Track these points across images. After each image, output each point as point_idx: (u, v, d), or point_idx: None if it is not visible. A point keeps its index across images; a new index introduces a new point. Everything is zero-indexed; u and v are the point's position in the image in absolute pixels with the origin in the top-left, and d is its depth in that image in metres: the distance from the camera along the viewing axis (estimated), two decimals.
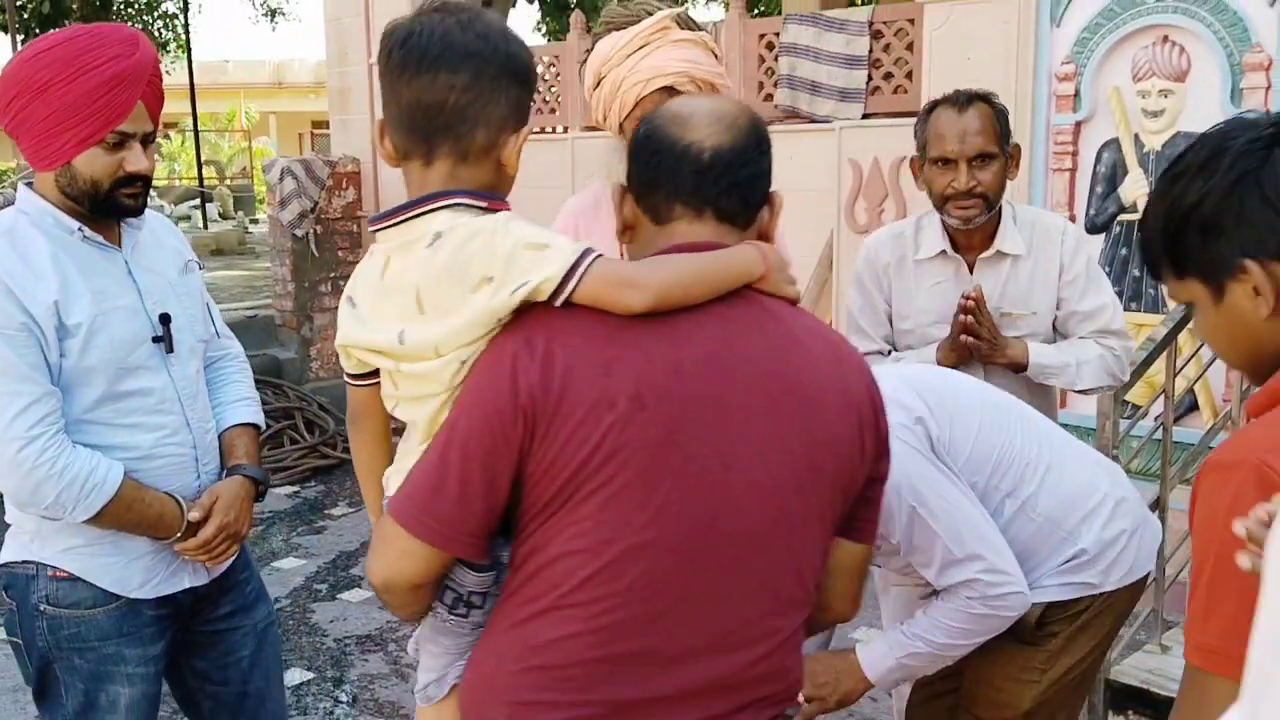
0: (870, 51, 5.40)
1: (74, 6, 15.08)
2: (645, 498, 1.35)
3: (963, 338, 2.62)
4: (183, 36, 16.74)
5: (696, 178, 1.45)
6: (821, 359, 1.46)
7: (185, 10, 14.58)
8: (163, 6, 18.43)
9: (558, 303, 1.36)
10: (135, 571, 2.15)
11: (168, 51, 18.73)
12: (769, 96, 5.84)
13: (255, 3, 18.86)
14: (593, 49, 2.57)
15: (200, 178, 16.46)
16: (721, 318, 1.41)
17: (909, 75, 5.28)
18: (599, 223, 2.60)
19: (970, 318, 2.61)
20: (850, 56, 5.45)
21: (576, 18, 6.95)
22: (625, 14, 2.52)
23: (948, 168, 2.63)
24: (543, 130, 7.18)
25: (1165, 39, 4.25)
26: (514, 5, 13.79)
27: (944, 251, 2.73)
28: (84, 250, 2.09)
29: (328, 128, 8.49)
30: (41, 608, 2.12)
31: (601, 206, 2.63)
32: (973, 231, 2.69)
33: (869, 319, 2.82)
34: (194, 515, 2.15)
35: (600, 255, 1.36)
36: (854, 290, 2.86)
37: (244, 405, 2.38)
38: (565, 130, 6.92)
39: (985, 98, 2.67)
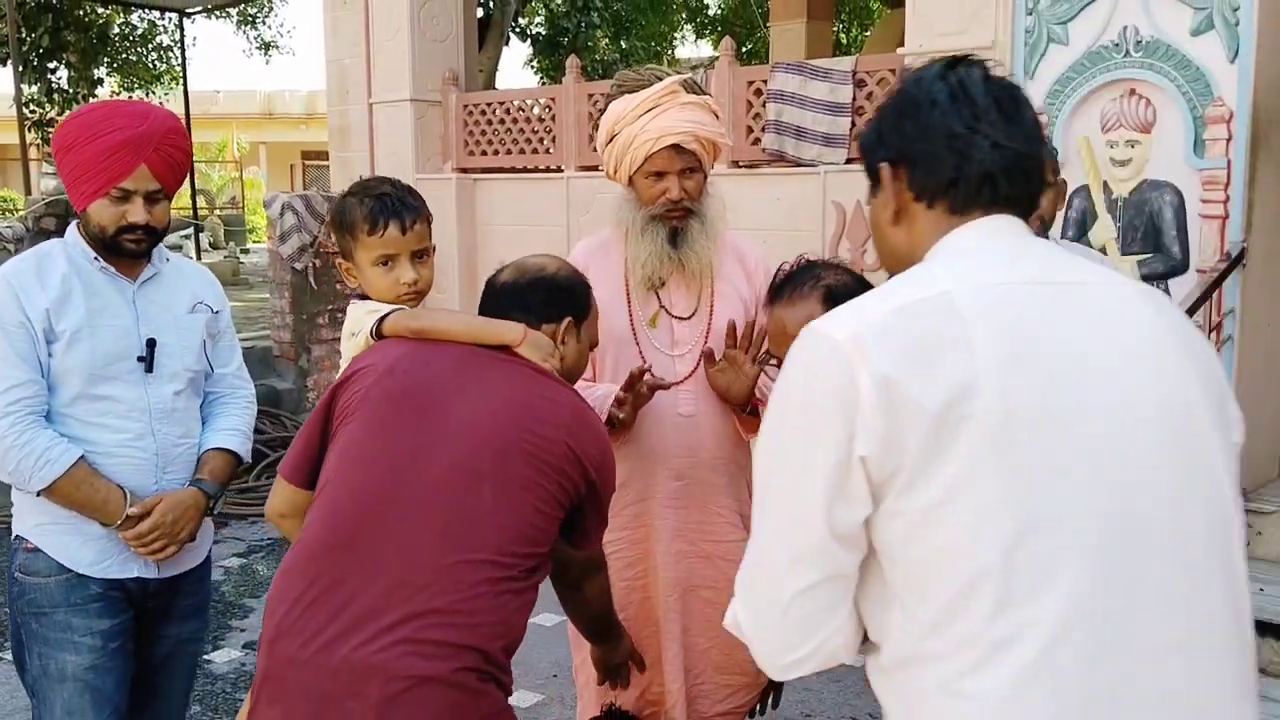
0: (854, 99, 5.64)
1: (72, 41, 15.27)
2: (365, 436, 1.99)
3: None
4: (178, 69, 16.97)
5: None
6: (534, 392, 2.05)
7: (181, 44, 14.79)
8: (158, 39, 18.66)
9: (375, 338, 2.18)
10: (88, 552, 2.52)
11: (162, 83, 18.95)
12: (757, 140, 6.08)
13: (250, 36, 19.08)
14: (606, 109, 2.82)
15: (194, 208, 16.63)
16: (473, 351, 2.09)
17: None
18: (607, 265, 2.83)
19: None
20: (835, 104, 5.69)
21: (572, 61, 7.18)
22: (637, 78, 2.78)
23: None
24: (538, 170, 7.41)
25: (1132, 92, 4.49)
26: (507, 44, 14.08)
27: None
28: (96, 276, 2.55)
29: (318, 158, 8.74)
30: (16, 575, 2.55)
31: (610, 251, 2.86)
32: None
33: None
34: (133, 510, 2.50)
35: (397, 309, 2.19)
36: None
37: (229, 434, 2.74)
38: (560, 169, 7.14)
39: None
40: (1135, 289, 1.43)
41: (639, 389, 2.61)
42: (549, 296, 2.23)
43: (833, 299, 2.04)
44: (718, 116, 2.81)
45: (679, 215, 2.73)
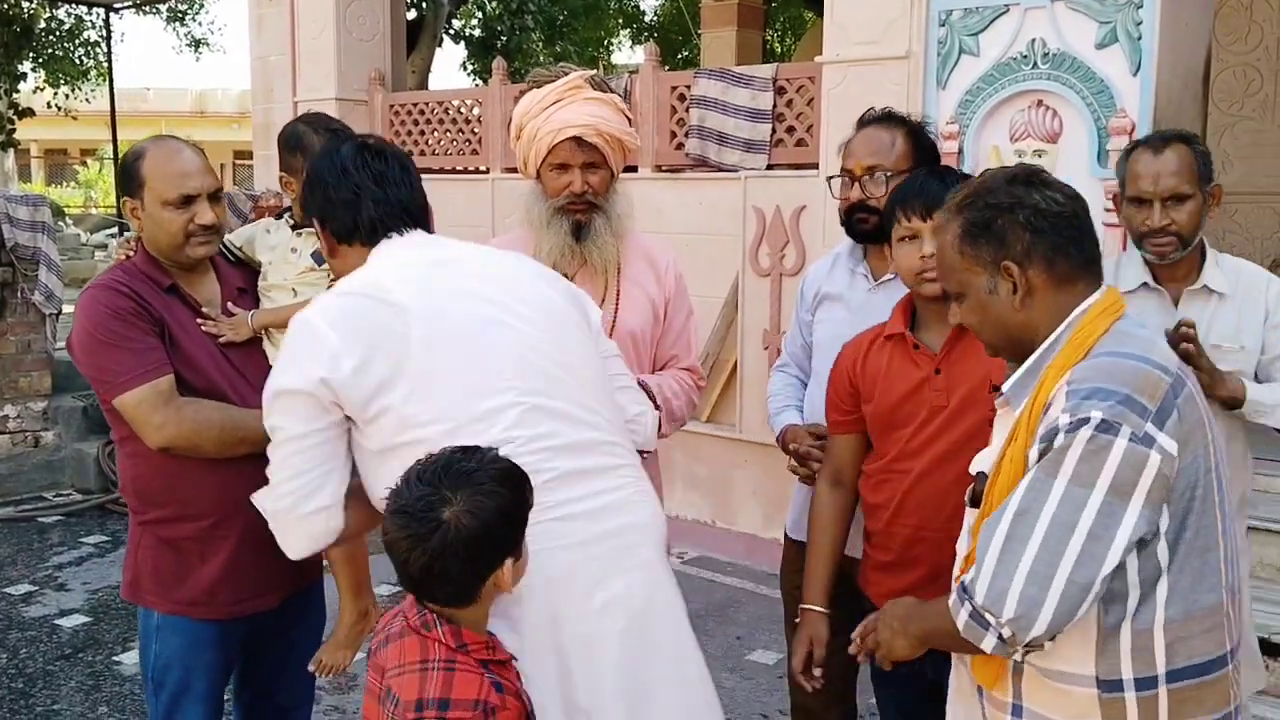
0: (774, 106, 5.71)
1: None
2: None
3: None
4: (104, 64, 16.67)
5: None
6: None
7: (108, 39, 14.55)
8: (84, 34, 18.34)
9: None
10: None
11: (89, 79, 18.63)
12: (680, 145, 6.13)
13: (179, 33, 18.83)
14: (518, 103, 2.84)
15: (119, 206, 16.33)
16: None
17: (809, 129, 5.59)
18: None
19: (1191, 346, 2.63)
20: (756, 110, 5.75)
21: (498, 63, 7.19)
22: (547, 75, 2.83)
23: (1143, 206, 2.80)
24: (465, 170, 7.40)
25: (1040, 103, 4.60)
26: (440, 45, 14.02)
27: (1145, 284, 2.86)
28: None
29: (250, 158, 8.62)
30: None
31: (520, 245, 2.86)
32: (1174, 265, 2.82)
33: None
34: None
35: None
36: None
37: None
38: (487, 171, 7.14)
39: (1186, 139, 2.80)
40: (497, 256, 2.25)
41: None
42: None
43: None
44: (628, 117, 2.85)
45: (582, 209, 2.78)
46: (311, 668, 2.66)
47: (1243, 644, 1.87)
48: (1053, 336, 1.83)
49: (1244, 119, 6.80)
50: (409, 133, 7.52)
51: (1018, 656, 1.75)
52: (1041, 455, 1.71)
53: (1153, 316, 2.76)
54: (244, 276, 2.74)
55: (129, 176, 2.48)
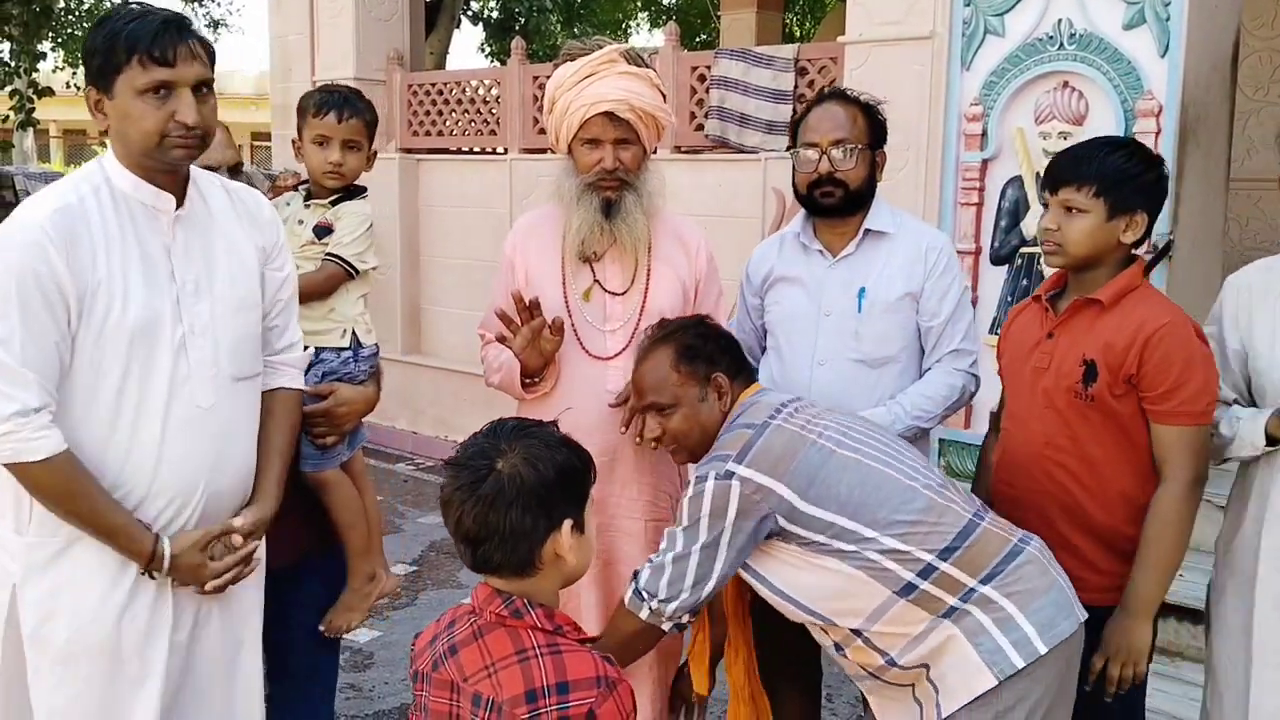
0: (795, 87, 5.67)
1: (14, 14, 14.97)
2: None
3: None
4: None
5: None
6: None
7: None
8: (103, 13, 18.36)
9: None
10: None
11: None
12: (700, 126, 6.09)
13: (198, 14, 18.81)
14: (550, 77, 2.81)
15: None
16: None
17: None
18: (545, 237, 2.84)
19: None
20: (777, 91, 5.71)
21: (517, 43, 7.16)
22: (581, 48, 2.77)
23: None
24: (483, 151, 7.38)
25: (1065, 84, 4.55)
26: (458, 27, 13.99)
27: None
28: None
29: (268, 139, 8.61)
30: None
31: (550, 223, 2.85)
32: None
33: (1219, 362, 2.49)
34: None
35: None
36: (1209, 327, 2.54)
37: None
38: (505, 151, 7.11)
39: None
40: None
41: (536, 324, 2.67)
42: None
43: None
44: (662, 93, 2.80)
45: (613, 186, 2.73)
46: (322, 628, 2.73)
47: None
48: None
49: (1270, 105, 6.73)
50: (426, 113, 7.50)
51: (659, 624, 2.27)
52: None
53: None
54: None
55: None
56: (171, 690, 2.16)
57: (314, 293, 2.66)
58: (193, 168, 2.18)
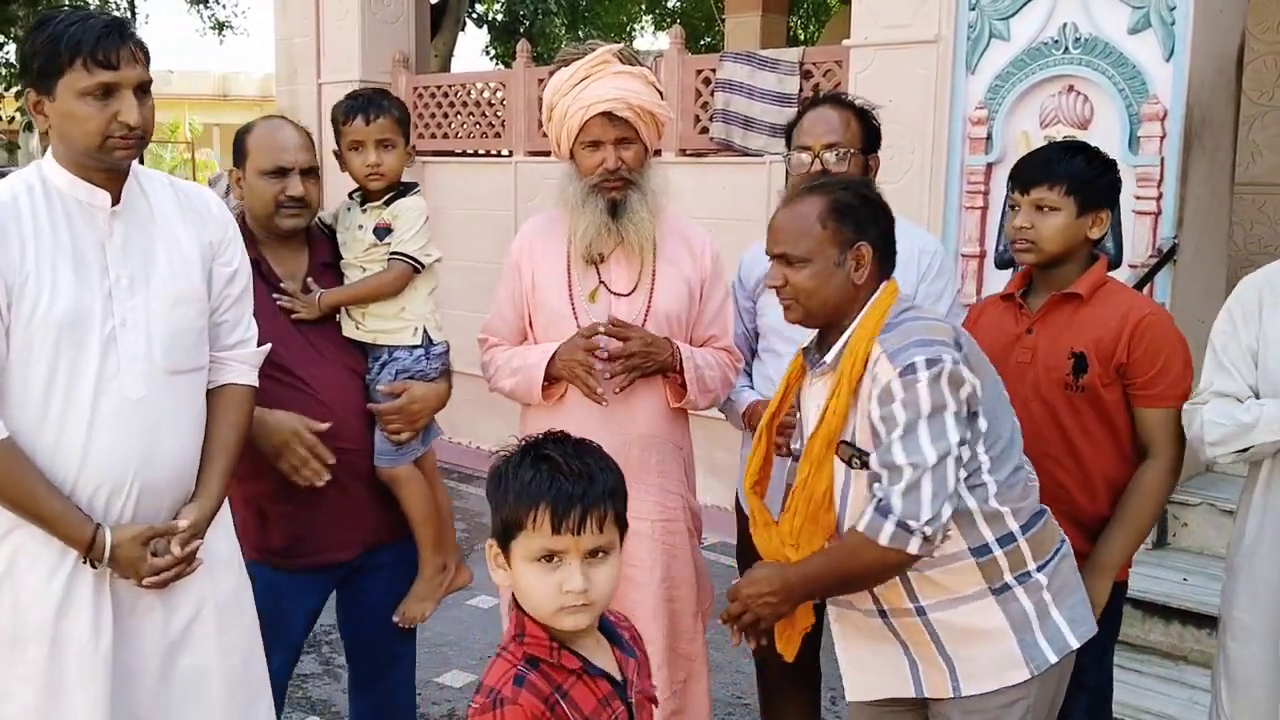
0: (801, 90, 5.67)
1: (20, 15, 15.01)
2: None
3: None
4: None
5: None
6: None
7: (133, 20, 14.60)
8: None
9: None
10: None
11: None
12: (704, 130, 6.10)
13: (203, 16, 18.84)
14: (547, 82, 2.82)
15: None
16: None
17: None
18: (551, 241, 2.85)
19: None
20: (782, 94, 5.72)
21: (522, 46, 7.17)
22: (575, 52, 2.79)
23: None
24: (488, 154, 7.39)
25: (1070, 88, 4.56)
26: (463, 29, 14.00)
27: None
28: None
29: None
30: None
31: (555, 227, 2.86)
32: None
33: (1235, 356, 2.52)
34: None
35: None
36: (1224, 323, 2.58)
37: None
38: (510, 154, 7.12)
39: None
40: None
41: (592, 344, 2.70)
42: None
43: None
44: (659, 91, 2.81)
45: (617, 186, 2.74)
46: (395, 618, 2.84)
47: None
48: (862, 313, 2.16)
49: (1275, 109, 6.71)
50: (432, 115, 7.51)
51: (928, 553, 2.07)
52: (883, 409, 2.04)
53: None
54: (333, 251, 2.84)
55: (237, 148, 2.74)
56: (124, 680, 2.17)
57: (386, 292, 2.74)
58: (135, 165, 2.21)
